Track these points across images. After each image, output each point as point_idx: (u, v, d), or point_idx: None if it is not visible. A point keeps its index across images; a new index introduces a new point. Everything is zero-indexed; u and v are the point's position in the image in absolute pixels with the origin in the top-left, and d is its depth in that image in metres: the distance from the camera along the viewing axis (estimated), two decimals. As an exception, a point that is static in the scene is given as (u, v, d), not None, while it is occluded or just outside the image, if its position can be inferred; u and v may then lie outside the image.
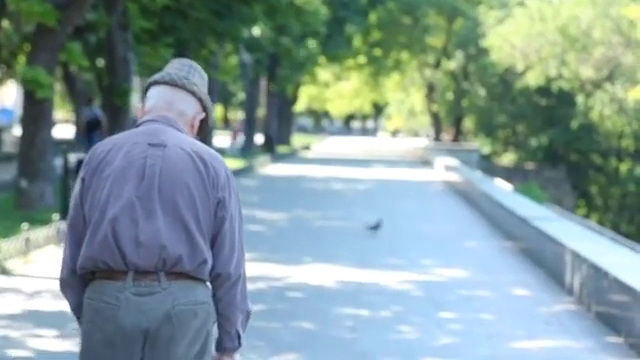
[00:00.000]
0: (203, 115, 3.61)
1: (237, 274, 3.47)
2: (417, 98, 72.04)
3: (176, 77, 3.54)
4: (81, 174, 3.49)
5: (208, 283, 3.48)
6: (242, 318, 3.51)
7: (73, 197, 3.50)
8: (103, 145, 3.49)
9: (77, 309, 3.53)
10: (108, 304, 3.36)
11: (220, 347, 3.52)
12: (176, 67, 3.58)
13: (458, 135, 61.26)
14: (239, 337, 3.51)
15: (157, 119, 3.51)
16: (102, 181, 3.41)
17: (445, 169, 31.93)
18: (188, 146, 3.45)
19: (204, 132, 3.78)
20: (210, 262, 3.42)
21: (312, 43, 44.57)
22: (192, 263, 3.38)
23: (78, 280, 3.48)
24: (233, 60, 39.21)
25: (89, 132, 21.09)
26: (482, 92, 52.45)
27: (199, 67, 3.63)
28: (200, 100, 3.58)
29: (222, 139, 49.03)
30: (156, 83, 3.56)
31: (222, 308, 3.47)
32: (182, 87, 3.54)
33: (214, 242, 3.44)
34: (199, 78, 3.59)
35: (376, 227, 15.30)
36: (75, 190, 3.49)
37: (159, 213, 3.37)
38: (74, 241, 3.47)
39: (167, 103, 3.53)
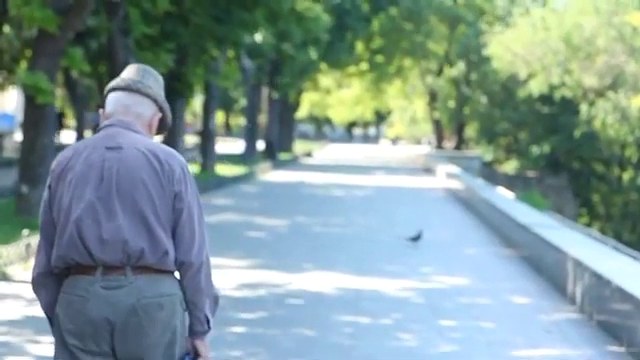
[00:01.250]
0: (160, 115, 3.84)
1: (199, 261, 3.66)
2: (419, 105, 72.06)
3: (131, 82, 3.78)
4: (48, 182, 3.75)
5: (177, 274, 3.67)
6: (209, 302, 3.71)
7: (42, 203, 3.77)
8: (65, 153, 3.74)
9: (48, 308, 3.76)
10: (79, 296, 3.60)
11: (191, 332, 3.72)
12: (131, 72, 3.82)
13: (460, 142, 61.25)
14: (208, 321, 3.72)
15: (115, 123, 3.74)
16: (66, 186, 3.67)
17: (447, 176, 31.91)
18: (143, 146, 3.68)
19: (163, 130, 3.90)
20: (172, 253, 3.63)
21: (314, 50, 44.58)
22: (154, 255, 3.60)
23: (51, 279, 3.72)
24: (234, 66, 39.22)
25: None
26: (484, 99, 52.44)
27: (153, 71, 3.87)
28: (155, 101, 3.81)
29: (223, 145, 49.03)
30: (113, 89, 3.80)
31: (189, 295, 3.67)
32: (137, 91, 3.78)
33: (174, 233, 3.65)
34: (154, 81, 3.82)
35: (416, 238, 15.08)
36: (44, 196, 3.76)
37: (119, 211, 3.60)
38: (46, 243, 3.73)
39: (124, 107, 3.78)
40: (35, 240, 11.97)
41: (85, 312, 3.59)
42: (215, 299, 3.75)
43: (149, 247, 3.60)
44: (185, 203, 3.66)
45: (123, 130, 3.73)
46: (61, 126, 42.62)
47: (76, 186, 3.65)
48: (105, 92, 3.87)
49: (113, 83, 3.82)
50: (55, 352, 3.71)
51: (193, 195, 3.70)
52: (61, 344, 3.67)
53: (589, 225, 37.67)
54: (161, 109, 3.85)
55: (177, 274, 3.72)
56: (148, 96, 3.80)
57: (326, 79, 66.80)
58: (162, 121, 3.87)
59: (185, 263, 3.66)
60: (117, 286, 3.59)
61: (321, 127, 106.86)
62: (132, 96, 3.79)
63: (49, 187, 3.74)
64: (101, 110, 3.86)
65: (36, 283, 3.77)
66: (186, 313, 3.72)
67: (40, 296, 3.77)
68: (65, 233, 3.63)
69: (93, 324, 3.58)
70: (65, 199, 3.67)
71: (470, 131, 59.92)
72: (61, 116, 43.06)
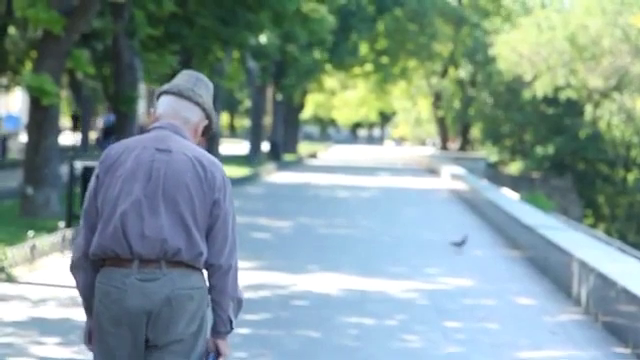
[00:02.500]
0: (206, 122, 4.08)
1: (228, 264, 3.91)
2: (424, 106, 72.02)
3: (183, 88, 4.01)
4: (96, 171, 3.95)
5: (204, 271, 3.93)
6: (233, 305, 3.94)
7: (88, 190, 3.96)
8: (117, 147, 3.96)
9: (84, 289, 3.97)
10: (116, 288, 3.83)
11: (214, 331, 3.95)
12: (184, 79, 4.06)
13: (464, 144, 61.19)
14: (231, 322, 3.94)
15: (165, 126, 3.98)
16: (115, 179, 3.88)
17: (451, 177, 31.89)
18: (190, 152, 3.92)
19: (208, 136, 4.16)
20: (205, 254, 3.88)
21: (318, 51, 44.57)
22: (189, 254, 3.85)
23: (89, 263, 3.93)
24: (239, 67, 39.22)
25: (105, 137, 21.71)
26: (489, 100, 52.40)
27: (205, 79, 4.09)
28: (204, 110, 4.05)
29: (227, 147, 49.04)
30: (166, 93, 4.04)
31: (215, 295, 3.92)
32: (188, 98, 4.01)
33: (209, 236, 3.90)
34: (204, 89, 4.06)
35: (461, 243, 14.94)
36: (90, 185, 3.95)
37: (162, 210, 3.85)
38: (87, 228, 3.93)
39: (174, 111, 4.01)
40: (39, 241, 11.99)
41: (122, 302, 3.82)
42: (239, 302, 3.96)
43: (186, 247, 3.84)
44: (222, 210, 3.92)
45: (172, 134, 3.96)
46: (76, 128, 42.63)
47: (125, 181, 3.87)
48: (157, 94, 4.09)
49: (166, 87, 4.06)
50: (94, 339, 3.94)
51: (230, 203, 3.96)
52: (99, 332, 3.89)
53: (594, 226, 37.62)
54: (208, 117, 4.08)
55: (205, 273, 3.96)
56: (198, 104, 4.03)
57: (331, 80, 66.80)
58: (207, 127, 4.11)
59: (215, 265, 3.90)
60: (152, 278, 3.82)
61: (326, 128, 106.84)
62: (182, 102, 4.02)
63: (97, 177, 3.93)
64: (152, 109, 4.09)
65: (75, 266, 3.97)
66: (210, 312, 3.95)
67: (78, 278, 3.98)
68: (110, 225, 3.84)
69: (130, 314, 3.81)
70: (113, 191, 3.87)
71: (475, 132, 59.88)
72: (76, 118, 43.03)
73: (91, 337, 4.01)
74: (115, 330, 3.84)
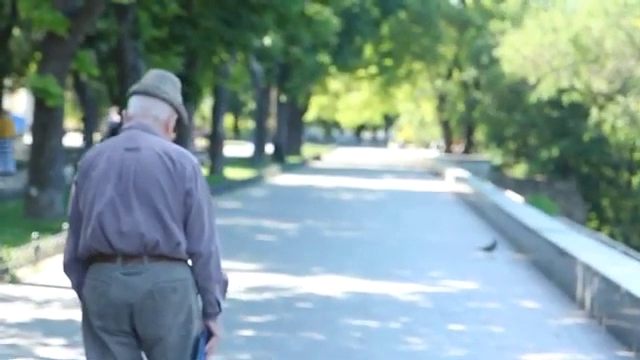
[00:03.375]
0: (176, 117, 4.27)
1: (208, 251, 4.08)
2: (428, 109, 72.02)
3: (150, 87, 4.22)
4: (75, 178, 4.19)
5: (189, 261, 4.10)
6: (219, 287, 4.13)
7: (70, 197, 4.20)
8: (91, 152, 4.19)
9: (78, 287, 4.20)
10: (102, 282, 4.04)
11: (204, 313, 4.15)
12: (150, 78, 4.26)
13: (469, 146, 61.17)
14: (219, 304, 4.14)
15: (135, 126, 4.18)
16: (90, 182, 4.10)
17: (455, 180, 31.87)
18: (159, 147, 4.11)
19: (180, 130, 4.13)
20: (184, 243, 4.05)
21: (323, 53, 44.56)
22: (168, 246, 4.02)
23: (79, 264, 4.16)
24: (243, 69, 39.23)
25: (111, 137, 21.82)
26: (493, 103, 52.37)
27: (171, 75, 4.29)
28: (172, 105, 4.23)
29: (232, 149, 49.05)
30: (134, 93, 4.24)
31: (201, 281, 4.10)
32: (155, 96, 4.21)
33: (186, 226, 4.07)
34: (171, 86, 4.25)
35: (491, 248, 14.85)
36: (72, 191, 4.20)
37: (136, 206, 4.03)
38: (73, 232, 4.16)
39: (143, 110, 4.21)
40: (44, 243, 12.00)
41: (107, 295, 4.02)
42: (224, 284, 4.15)
43: (163, 239, 4.01)
44: (195, 199, 4.06)
45: (142, 132, 4.15)
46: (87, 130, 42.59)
47: (98, 183, 4.07)
48: (127, 95, 4.31)
49: (134, 87, 4.26)
50: (82, 332, 4.15)
51: (203, 192, 4.10)
52: (87, 325, 4.11)
53: (598, 229, 37.59)
54: (177, 111, 4.26)
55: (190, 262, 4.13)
56: (165, 100, 4.21)
57: (335, 83, 66.81)
58: (179, 121, 4.30)
59: (196, 253, 4.07)
60: (135, 272, 4.02)
61: (330, 130, 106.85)
62: (150, 100, 4.21)
63: (76, 183, 4.16)
64: (124, 111, 4.27)
65: (67, 268, 4.21)
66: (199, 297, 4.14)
67: (71, 278, 4.22)
68: (89, 226, 4.06)
69: (114, 306, 4.02)
70: (89, 194, 4.09)
71: (479, 135, 59.85)
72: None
73: None
74: (100, 323, 4.04)
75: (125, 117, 4.25)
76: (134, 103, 4.23)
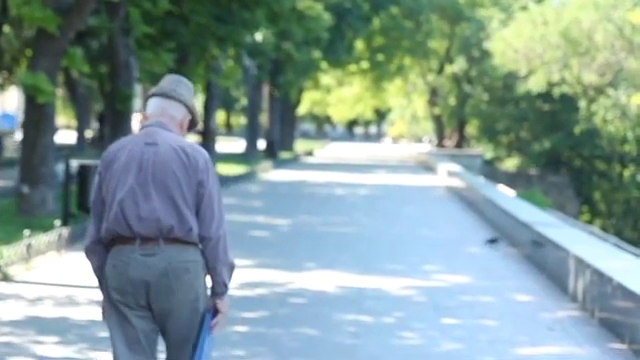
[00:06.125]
0: (190, 117, 4.77)
1: (217, 236, 4.56)
2: (420, 104, 72.01)
3: (167, 90, 4.72)
4: (98, 169, 4.65)
5: (200, 245, 4.56)
6: (226, 269, 4.63)
7: (95, 185, 4.67)
8: (114, 146, 4.65)
9: (98, 270, 4.65)
10: (122, 262, 4.51)
11: (213, 292, 4.64)
12: (168, 82, 4.76)
13: (461, 140, 61.20)
14: (225, 284, 4.64)
15: (153, 124, 4.67)
16: (112, 173, 4.56)
17: (448, 174, 31.90)
18: (175, 143, 4.60)
19: (193, 128, 4.82)
20: (196, 229, 4.53)
21: (314, 48, 44.53)
22: (181, 230, 4.50)
23: (100, 247, 4.61)
24: (235, 65, 39.18)
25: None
26: (485, 96, 52.38)
27: (186, 80, 4.81)
28: (186, 106, 4.74)
29: (224, 144, 48.99)
30: (153, 95, 4.74)
31: (210, 263, 4.59)
32: (172, 98, 4.71)
33: (198, 213, 4.55)
34: (185, 89, 4.75)
35: (493, 241, 15.19)
36: (95, 180, 4.66)
37: (154, 195, 4.51)
38: (96, 217, 4.62)
39: (161, 110, 4.71)
40: (36, 240, 11.98)
41: (126, 274, 4.49)
42: (231, 266, 4.65)
43: (177, 224, 4.49)
44: (206, 189, 4.55)
45: (160, 129, 4.63)
46: (102, 127, 42.53)
47: (121, 173, 4.54)
48: (146, 97, 4.78)
49: (153, 90, 4.76)
50: (103, 306, 4.62)
51: (213, 183, 4.59)
52: (108, 300, 4.57)
53: (590, 222, 37.64)
54: (190, 112, 4.76)
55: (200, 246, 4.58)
56: (180, 102, 4.71)
57: (327, 78, 66.74)
58: (191, 121, 4.78)
59: (206, 237, 4.55)
60: (152, 253, 4.49)
61: (322, 126, 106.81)
62: (167, 101, 4.71)
63: (99, 173, 4.62)
64: (142, 111, 4.78)
65: (89, 250, 4.65)
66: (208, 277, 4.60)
67: (92, 260, 4.66)
68: (112, 211, 4.52)
69: (132, 283, 4.48)
70: (112, 183, 4.55)
71: (471, 129, 59.88)
72: (102, 118, 42.98)
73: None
74: (120, 297, 4.50)
75: (143, 116, 4.75)
76: (153, 104, 4.71)
